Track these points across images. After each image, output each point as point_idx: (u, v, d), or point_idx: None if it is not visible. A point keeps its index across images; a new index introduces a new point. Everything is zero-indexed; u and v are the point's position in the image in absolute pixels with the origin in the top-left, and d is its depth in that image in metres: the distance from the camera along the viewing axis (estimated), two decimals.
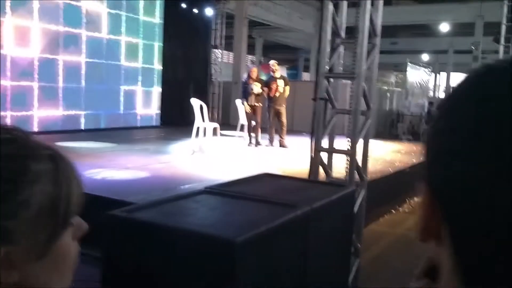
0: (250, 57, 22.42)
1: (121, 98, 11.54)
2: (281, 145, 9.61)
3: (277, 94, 9.43)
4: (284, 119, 9.63)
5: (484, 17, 16.17)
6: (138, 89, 12.02)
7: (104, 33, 10.83)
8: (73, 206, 0.59)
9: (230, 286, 1.83)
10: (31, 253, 0.54)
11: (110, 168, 6.20)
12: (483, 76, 0.42)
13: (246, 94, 9.55)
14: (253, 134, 9.66)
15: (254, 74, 9.57)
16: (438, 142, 0.43)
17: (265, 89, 9.48)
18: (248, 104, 9.47)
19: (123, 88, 11.56)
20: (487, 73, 0.42)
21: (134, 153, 7.82)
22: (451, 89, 0.45)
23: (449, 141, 0.42)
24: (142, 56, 11.97)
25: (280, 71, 9.80)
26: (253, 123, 9.59)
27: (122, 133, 10.72)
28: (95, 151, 7.81)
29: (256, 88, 9.40)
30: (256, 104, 9.51)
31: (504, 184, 0.37)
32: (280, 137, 9.68)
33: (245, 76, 9.97)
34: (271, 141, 9.76)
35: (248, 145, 9.55)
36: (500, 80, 0.40)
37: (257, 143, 9.63)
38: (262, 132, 9.82)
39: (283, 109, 9.58)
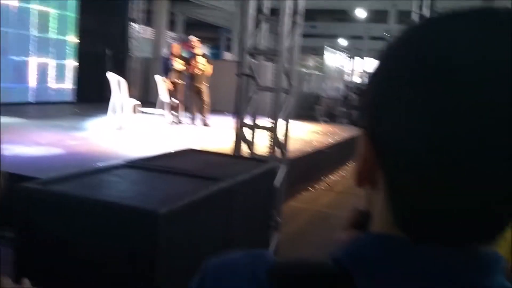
0: (171, 33, 21.91)
1: (32, 71, 10.82)
2: (204, 124, 9.53)
3: (198, 72, 9.29)
4: (205, 97, 9.53)
5: (397, 6, 16.98)
6: (50, 62, 11.32)
7: (13, 0, 10.05)
8: None
9: (152, 256, 1.81)
10: None
11: (21, 144, 5.83)
12: (417, 29, 0.44)
13: (166, 70, 9.27)
14: (174, 112, 9.49)
15: (175, 50, 9.30)
16: (375, 89, 0.45)
17: (186, 66, 9.32)
18: (169, 81, 9.25)
19: (34, 60, 10.83)
20: (421, 26, 0.44)
21: (47, 129, 7.40)
22: (390, 40, 0.47)
23: (385, 88, 0.44)
24: (54, 26, 11.26)
25: (200, 48, 9.63)
26: (175, 100, 9.41)
27: (33, 108, 10.09)
28: (4, 126, 7.28)
29: (177, 64, 9.16)
30: (178, 81, 9.28)
31: (432, 130, 0.40)
32: (202, 115, 9.58)
33: (165, 51, 9.69)
34: (193, 119, 9.65)
35: (170, 123, 9.37)
36: (432, 32, 0.42)
37: (179, 121, 9.48)
38: (184, 110, 9.68)
39: (204, 87, 9.48)
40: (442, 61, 0.40)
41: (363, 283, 0.43)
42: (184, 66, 9.23)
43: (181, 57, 9.34)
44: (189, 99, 9.60)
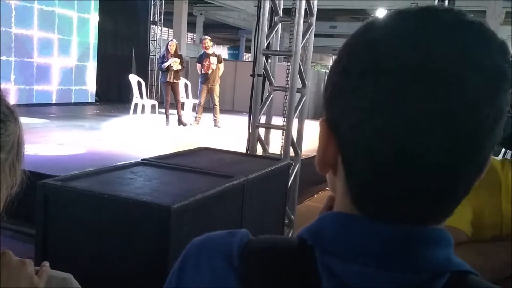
0: (190, 35, 22.10)
1: (54, 73, 11.07)
2: (215, 125, 9.46)
3: (210, 71, 9.15)
4: (216, 97, 9.39)
5: (418, 4, 16.79)
6: (72, 63, 11.56)
7: (35, 3, 10.30)
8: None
9: (166, 249, 1.88)
10: (8, 184, 0.61)
11: (43, 143, 6.00)
12: (369, 27, 0.49)
13: (166, 70, 8.91)
14: (182, 112, 9.30)
15: (172, 49, 8.93)
16: (334, 81, 0.50)
17: (198, 65, 9.20)
18: (167, 81, 8.92)
19: (56, 62, 11.08)
20: (372, 25, 0.49)
21: (68, 129, 7.59)
22: (348, 37, 0.52)
23: (342, 82, 0.48)
24: (76, 29, 11.50)
25: (213, 48, 9.44)
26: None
27: (55, 109, 10.33)
28: (27, 126, 7.44)
29: (176, 64, 8.83)
30: (176, 81, 8.98)
31: (380, 119, 0.44)
32: (214, 116, 9.49)
33: (162, 50, 9.18)
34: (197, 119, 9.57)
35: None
36: (384, 28, 0.47)
37: (180, 122, 9.22)
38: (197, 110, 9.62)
39: (216, 87, 9.35)
40: (388, 59, 0.45)
41: (321, 257, 0.48)
42: (181, 65, 8.95)
43: (179, 56, 9.06)
44: (198, 98, 9.45)
